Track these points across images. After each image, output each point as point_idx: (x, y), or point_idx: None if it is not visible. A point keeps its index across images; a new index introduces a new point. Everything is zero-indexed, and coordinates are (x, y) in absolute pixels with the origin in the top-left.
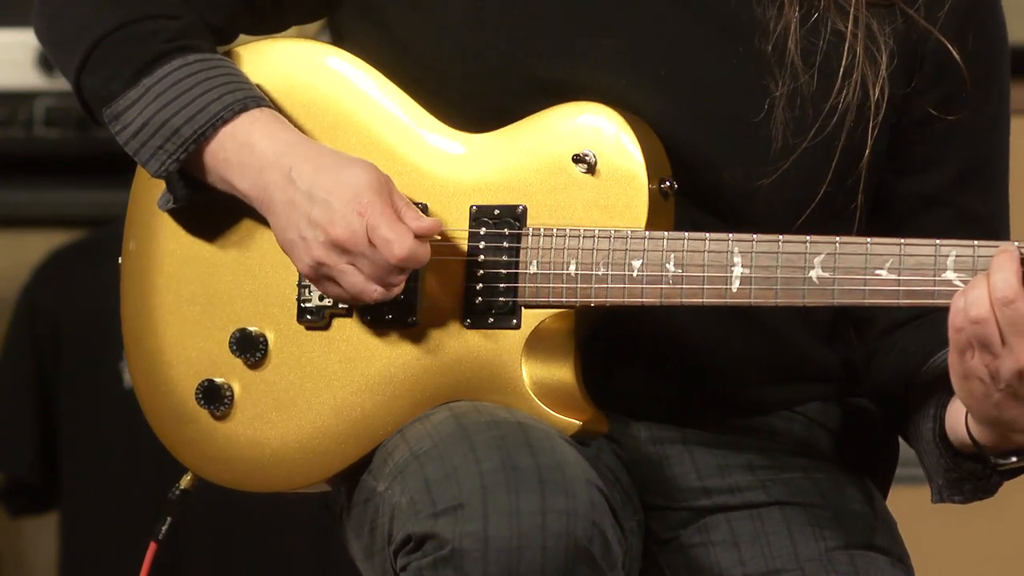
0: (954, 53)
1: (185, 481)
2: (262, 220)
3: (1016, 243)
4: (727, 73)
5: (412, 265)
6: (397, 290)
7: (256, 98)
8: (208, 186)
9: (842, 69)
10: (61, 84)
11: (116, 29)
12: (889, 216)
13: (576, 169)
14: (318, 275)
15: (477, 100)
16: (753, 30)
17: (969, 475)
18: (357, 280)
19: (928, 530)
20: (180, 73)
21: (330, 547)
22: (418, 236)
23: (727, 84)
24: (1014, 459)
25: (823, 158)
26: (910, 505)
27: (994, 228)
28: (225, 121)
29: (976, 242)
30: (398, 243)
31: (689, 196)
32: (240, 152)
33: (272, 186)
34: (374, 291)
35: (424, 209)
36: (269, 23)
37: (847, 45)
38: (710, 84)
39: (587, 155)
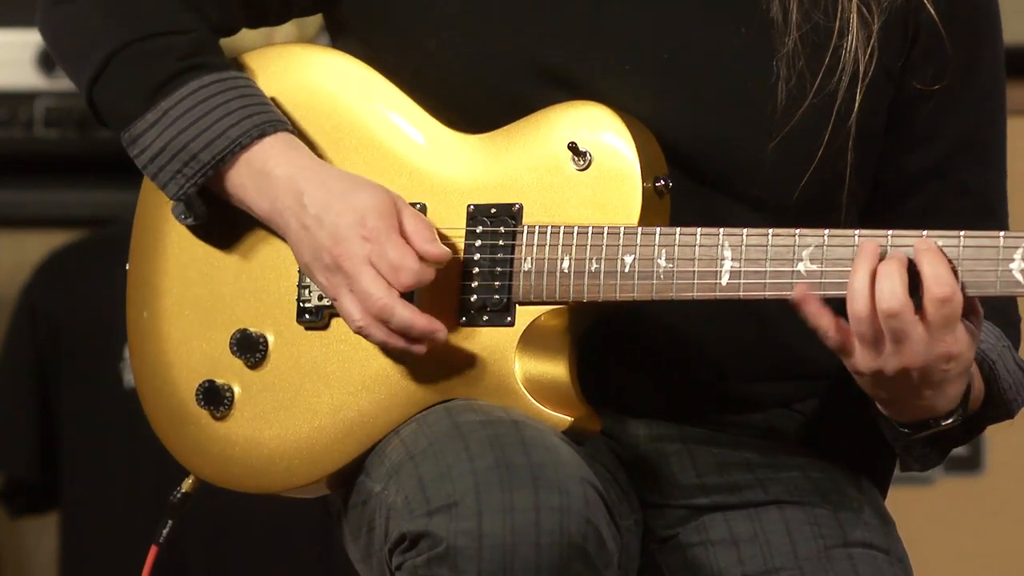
0: (940, 26)
1: (187, 484)
2: (263, 224)
3: (891, 232)
4: (729, 48)
5: (417, 287)
6: (377, 330)
7: (273, 122)
8: (225, 203)
9: (836, 28)
10: (61, 84)
11: (127, 45)
12: (888, 193)
13: (571, 166)
14: (332, 296)
15: (479, 89)
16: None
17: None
18: (348, 304)
19: (928, 530)
20: (198, 96)
21: (330, 548)
22: (424, 259)
23: (730, 59)
24: (924, 432)
25: (822, 119)
26: (910, 505)
27: (988, 201)
28: (243, 147)
29: (962, 232)
30: (404, 271)
31: (698, 176)
32: (257, 179)
33: (287, 211)
34: (360, 320)
35: (423, 209)
36: (271, 18)
37: (840, 5)
38: (712, 62)
39: (583, 153)
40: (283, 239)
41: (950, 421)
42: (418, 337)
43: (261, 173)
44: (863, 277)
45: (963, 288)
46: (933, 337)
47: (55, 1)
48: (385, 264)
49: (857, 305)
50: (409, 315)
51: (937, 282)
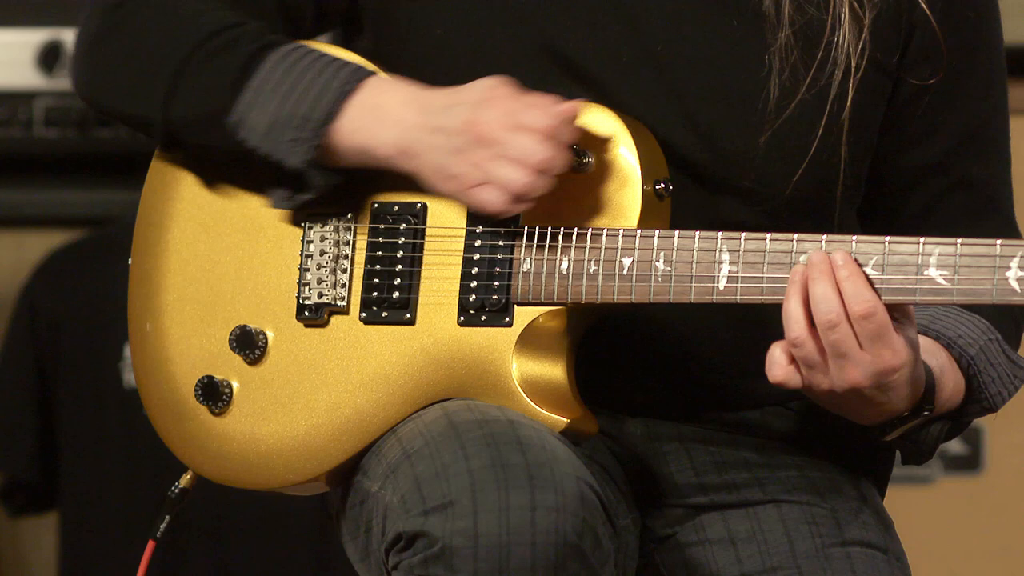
0: (934, 22)
1: (185, 480)
2: (266, 220)
3: (824, 237)
4: (721, 41)
5: (560, 138)
6: (543, 181)
7: (363, 66)
8: (339, 168)
9: (828, 23)
10: (61, 84)
11: (192, 51)
12: (891, 190)
13: (572, 173)
14: (476, 181)
15: (481, 76)
16: None
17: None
18: (504, 172)
19: (927, 529)
20: (283, 65)
21: (330, 547)
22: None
23: (722, 52)
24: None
25: (815, 113)
26: (909, 504)
27: (992, 195)
28: (349, 93)
29: (959, 240)
30: (544, 114)
31: (691, 169)
32: (372, 114)
33: (412, 128)
34: (523, 179)
35: (423, 208)
36: (305, 33)
37: (833, 2)
38: (705, 55)
39: (583, 155)
40: (289, 232)
41: (918, 419)
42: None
43: (375, 108)
44: (796, 302)
45: (956, 296)
46: (870, 353)
47: (91, 47)
48: (530, 114)
49: (795, 331)
50: (563, 151)
51: (856, 300)
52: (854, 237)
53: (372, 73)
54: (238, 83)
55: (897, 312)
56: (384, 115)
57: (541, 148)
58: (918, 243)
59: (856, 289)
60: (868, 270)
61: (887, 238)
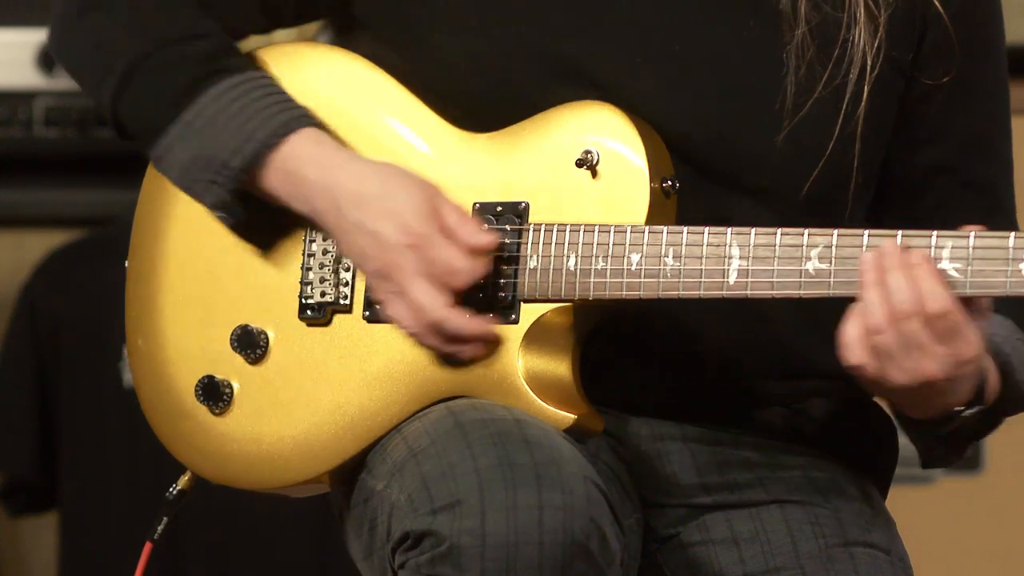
0: (947, 21)
1: (183, 481)
2: (267, 220)
3: (901, 232)
4: (738, 41)
5: (472, 284)
6: (432, 339)
7: (297, 117)
8: (261, 201)
9: (844, 21)
10: (61, 84)
11: (145, 57)
12: (901, 190)
13: (579, 171)
14: (380, 297)
15: (485, 81)
16: None
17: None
18: (399, 311)
19: (928, 529)
20: (218, 104)
21: (330, 547)
22: (474, 253)
23: (739, 52)
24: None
25: (831, 112)
26: (910, 504)
27: (997, 196)
28: (271, 147)
29: (972, 232)
30: (458, 273)
31: (707, 169)
32: (291, 183)
33: (326, 214)
34: (413, 328)
35: None
36: (285, 23)
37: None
38: (722, 55)
39: (590, 153)
40: (290, 231)
41: (973, 411)
42: (470, 341)
43: (294, 176)
44: (876, 291)
45: (968, 288)
46: (946, 348)
47: (66, 24)
48: (437, 270)
49: (877, 318)
50: (462, 323)
51: (932, 298)
52: (866, 231)
53: (301, 125)
54: (172, 110)
55: (972, 304)
56: (298, 185)
57: (437, 309)
58: (931, 236)
59: (931, 286)
60: None
61: (899, 231)
